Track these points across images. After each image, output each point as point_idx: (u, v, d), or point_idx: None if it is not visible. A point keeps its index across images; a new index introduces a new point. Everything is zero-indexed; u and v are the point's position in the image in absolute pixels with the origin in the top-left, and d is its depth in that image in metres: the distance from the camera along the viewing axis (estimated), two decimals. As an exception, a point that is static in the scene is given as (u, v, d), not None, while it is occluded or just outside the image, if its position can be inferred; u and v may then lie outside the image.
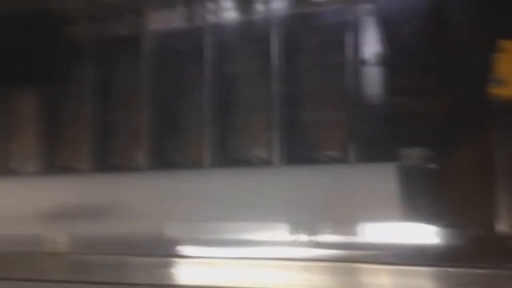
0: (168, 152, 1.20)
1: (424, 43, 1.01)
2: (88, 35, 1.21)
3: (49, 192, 1.19)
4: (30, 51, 1.18)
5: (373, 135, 1.01)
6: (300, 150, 1.10)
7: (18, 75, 1.18)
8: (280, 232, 1.00)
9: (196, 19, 1.16)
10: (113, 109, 1.24)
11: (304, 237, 0.98)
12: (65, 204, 1.16)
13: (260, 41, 1.12)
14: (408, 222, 0.92)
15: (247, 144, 1.14)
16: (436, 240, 0.91)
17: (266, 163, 1.11)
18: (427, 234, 0.92)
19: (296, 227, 0.99)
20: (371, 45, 1.03)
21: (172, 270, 1.04)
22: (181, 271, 1.05)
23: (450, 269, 0.86)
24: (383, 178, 0.95)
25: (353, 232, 0.96)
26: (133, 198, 1.12)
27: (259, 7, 1.11)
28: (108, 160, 1.24)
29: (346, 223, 0.97)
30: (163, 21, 1.18)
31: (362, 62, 1.03)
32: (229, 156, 1.15)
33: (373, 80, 1.02)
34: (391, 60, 1.02)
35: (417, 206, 0.92)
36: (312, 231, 0.97)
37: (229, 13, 1.14)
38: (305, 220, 0.99)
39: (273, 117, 1.07)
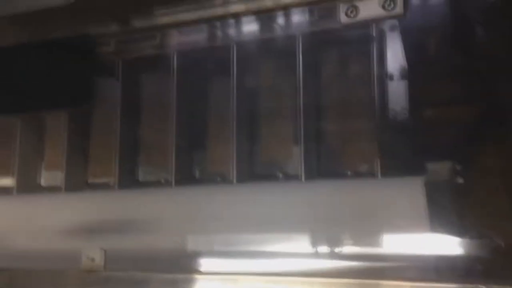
0: (195, 167, 1.22)
1: (449, 54, 1.01)
2: (117, 56, 1.24)
3: (79, 208, 1.20)
4: (61, 73, 1.21)
5: (399, 149, 1.01)
6: (325, 165, 1.11)
7: (51, 97, 1.21)
8: (306, 247, 1.00)
9: (220, 37, 1.18)
10: (141, 126, 1.27)
11: (329, 252, 0.98)
12: (94, 220, 1.17)
13: (285, 56, 1.13)
14: (434, 235, 0.92)
15: (273, 159, 1.15)
16: (462, 252, 0.90)
17: (292, 177, 1.12)
18: (453, 246, 0.91)
19: (322, 242, 0.99)
20: (396, 58, 1.03)
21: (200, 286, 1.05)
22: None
23: (481, 286, 0.86)
24: (409, 192, 0.94)
25: (379, 246, 0.96)
26: (161, 214, 1.13)
27: (283, 23, 1.13)
28: (136, 176, 1.27)
29: (372, 238, 0.96)
30: (188, 40, 1.20)
31: (388, 75, 1.04)
32: (256, 171, 1.16)
33: (399, 93, 1.03)
34: (416, 73, 1.02)
35: (443, 219, 0.92)
36: (338, 246, 0.97)
37: (255, 29, 1.15)
38: (331, 235, 0.99)
39: (299, 132, 1.07)
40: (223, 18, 1.13)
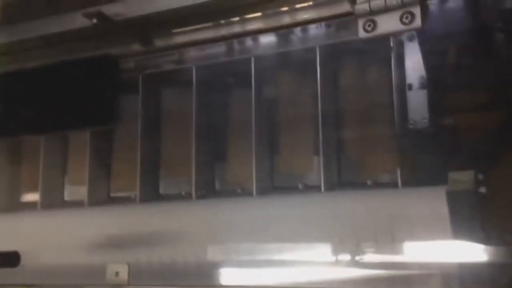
0: (215, 180, 1.23)
1: (469, 63, 1.01)
2: (138, 72, 1.26)
3: (102, 222, 1.22)
4: (85, 93, 1.23)
5: (420, 159, 1.01)
6: (346, 175, 1.11)
7: (75, 117, 1.23)
8: (328, 257, 1.00)
9: (238, 52, 1.20)
10: (162, 140, 1.29)
11: (351, 262, 0.98)
12: (117, 234, 1.18)
13: (305, 68, 1.14)
14: (456, 243, 0.91)
15: (293, 170, 1.16)
16: (486, 260, 0.90)
17: (312, 188, 1.12)
18: (476, 254, 0.90)
19: (344, 251, 0.99)
20: (416, 69, 1.03)
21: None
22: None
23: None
24: (431, 202, 0.94)
25: (401, 255, 0.96)
26: (182, 226, 1.14)
27: (301, 36, 1.14)
28: (157, 189, 1.28)
29: (394, 247, 0.96)
30: (207, 55, 1.21)
31: (409, 86, 1.04)
32: (276, 183, 1.17)
33: (419, 103, 1.03)
34: (437, 82, 1.02)
35: (466, 228, 0.91)
36: (360, 255, 0.97)
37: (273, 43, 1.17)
38: (352, 245, 0.99)
39: (318, 143, 1.07)
40: (241, 35, 1.15)
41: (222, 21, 1.15)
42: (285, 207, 1.08)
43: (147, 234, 1.15)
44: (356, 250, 0.97)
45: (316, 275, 1.00)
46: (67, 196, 1.37)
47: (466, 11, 1.01)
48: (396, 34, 0.96)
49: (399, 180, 1.01)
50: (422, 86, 1.03)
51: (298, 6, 1.10)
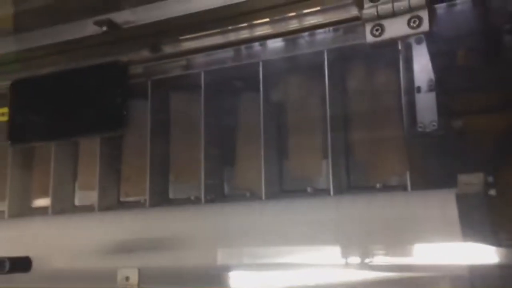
0: (224, 184, 1.24)
1: (478, 65, 1.01)
2: (147, 78, 1.27)
3: (112, 226, 1.23)
4: (95, 100, 1.25)
5: (429, 161, 1.01)
6: (354, 178, 1.11)
7: (85, 123, 1.25)
8: (337, 260, 1.00)
9: (246, 57, 1.20)
10: (171, 145, 1.30)
11: (360, 265, 0.98)
12: (126, 238, 1.19)
13: (313, 72, 1.15)
14: (466, 245, 0.91)
15: (302, 174, 1.17)
16: (495, 262, 0.90)
17: (321, 192, 1.13)
18: (486, 256, 0.90)
19: (353, 255, 0.99)
20: (425, 71, 1.03)
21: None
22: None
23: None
24: (440, 205, 0.94)
25: (410, 257, 0.96)
26: (191, 230, 1.14)
27: (309, 40, 1.14)
28: (166, 193, 1.29)
29: (404, 249, 0.96)
30: (216, 60, 1.22)
31: (417, 89, 1.04)
32: (284, 187, 1.18)
33: (428, 106, 1.03)
34: (446, 84, 1.02)
35: (475, 231, 0.91)
36: (369, 258, 0.97)
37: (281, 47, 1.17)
38: (361, 248, 0.99)
39: (327, 147, 1.08)
40: (249, 41, 1.16)
41: (230, 27, 1.16)
42: (294, 211, 1.08)
43: (157, 239, 1.16)
44: (366, 253, 0.98)
45: (326, 278, 1.00)
46: (77, 201, 1.38)
47: (474, 13, 1.01)
48: (404, 38, 0.96)
49: (408, 183, 1.02)
50: (431, 89, 1.02)
51: (305, 11, 1.10)
